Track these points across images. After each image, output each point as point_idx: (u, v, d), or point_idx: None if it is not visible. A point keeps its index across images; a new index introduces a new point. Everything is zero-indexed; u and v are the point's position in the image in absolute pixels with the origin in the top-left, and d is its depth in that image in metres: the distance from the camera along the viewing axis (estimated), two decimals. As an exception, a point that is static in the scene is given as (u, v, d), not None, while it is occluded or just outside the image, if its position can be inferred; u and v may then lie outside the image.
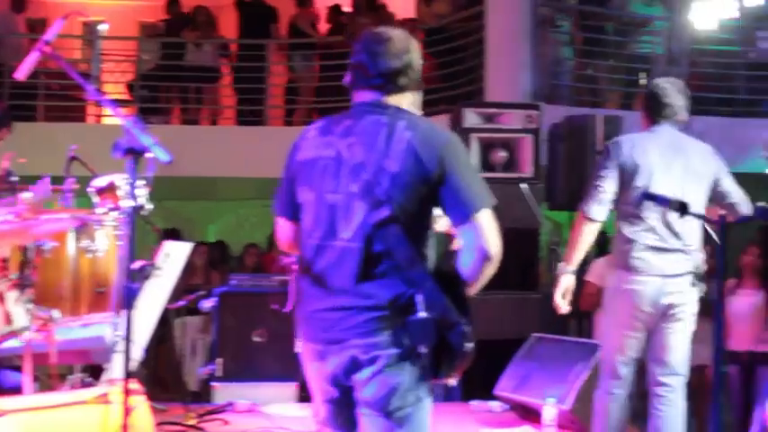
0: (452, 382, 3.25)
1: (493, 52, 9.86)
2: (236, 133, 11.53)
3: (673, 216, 4.72)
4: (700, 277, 4.88)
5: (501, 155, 7.58)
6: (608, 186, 4.91)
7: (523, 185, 7.28)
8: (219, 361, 7.36)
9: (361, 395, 3.24)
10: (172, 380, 8.66)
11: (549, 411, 5.90)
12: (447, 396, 7.68)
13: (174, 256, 6.10)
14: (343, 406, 3.31)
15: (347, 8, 12.72)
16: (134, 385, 3.81)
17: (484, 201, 3.15)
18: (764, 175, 3.77)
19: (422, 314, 3.06)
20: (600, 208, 4.92)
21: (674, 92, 5.04)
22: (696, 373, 7.92)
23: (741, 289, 6.97)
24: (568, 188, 7.28)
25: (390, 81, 3.23)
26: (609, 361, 5.04)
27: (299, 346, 3.42)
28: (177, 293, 7.76)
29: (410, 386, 3.16)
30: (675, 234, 4.87)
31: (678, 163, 4.93)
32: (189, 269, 9.06)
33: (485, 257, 3.12)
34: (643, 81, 10.70)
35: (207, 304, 7.33)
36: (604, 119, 7.21)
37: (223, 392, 7.26)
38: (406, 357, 3.12)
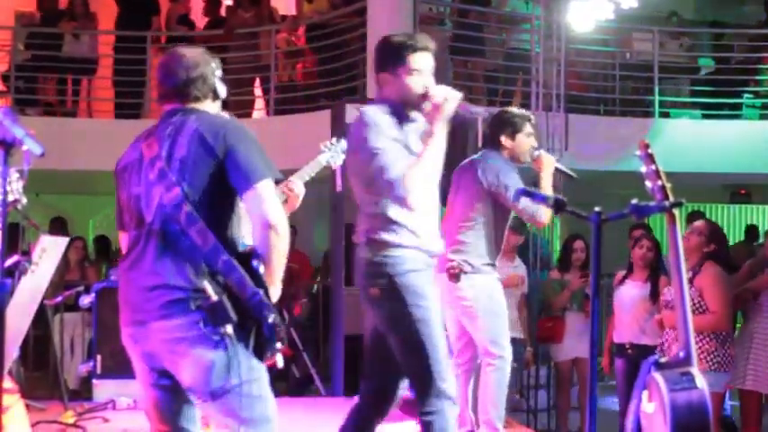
0: (279, 362, 3.41)
1: (374, 49, 9.88)
2: (115, 126, 11.32)
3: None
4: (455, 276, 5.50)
5: (382, 150, 7.62)
6: None
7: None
8: (98, 358, 7.24)
9: (181, 381, 3.39)
10: (50, 378, 8.49)
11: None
12: (330, 391, 7.71)
13: (50, 251, 5.99)
14: (169, 392, 3.46)
15: (228, 1, 12.61)
16: (8, 384, 3.73)
17: (265, 172, 3.39)
18: (639, 173, 3.89)
19: (214, 297, 3.27)
20: None
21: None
22: (571, 365, 8.15)
23: (629, 280, 7.08)
24: (449, 184, 7.35)
25: (183, 92, 3.55)
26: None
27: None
28: (54, 289, 7.62)
29: (227, 366, 3.30)
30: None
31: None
32: (64, 264, 8.91)
33: (266, 225, 3.33)
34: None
35: (86, 300, 7.21)
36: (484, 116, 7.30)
37: (104, 390, 7.14)
38: (210, 338, 3.29)
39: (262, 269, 3.36)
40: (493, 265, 5.58)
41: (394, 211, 4.07)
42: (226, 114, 3.83)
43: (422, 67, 4.21)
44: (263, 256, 3.36)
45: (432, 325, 4.08)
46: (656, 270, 7.03)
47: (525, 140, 5.68)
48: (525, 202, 5.35)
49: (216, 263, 3.30)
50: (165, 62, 3.63)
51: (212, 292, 3.27)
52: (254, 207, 3.35)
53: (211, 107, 3.60)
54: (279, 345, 3.37)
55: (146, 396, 3.52)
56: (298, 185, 4.99)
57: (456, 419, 4.18)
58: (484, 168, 5.55)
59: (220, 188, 3.39)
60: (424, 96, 4.16)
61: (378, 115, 4.10)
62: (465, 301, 5.53)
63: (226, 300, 3.28)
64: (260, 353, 3.36)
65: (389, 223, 4.08)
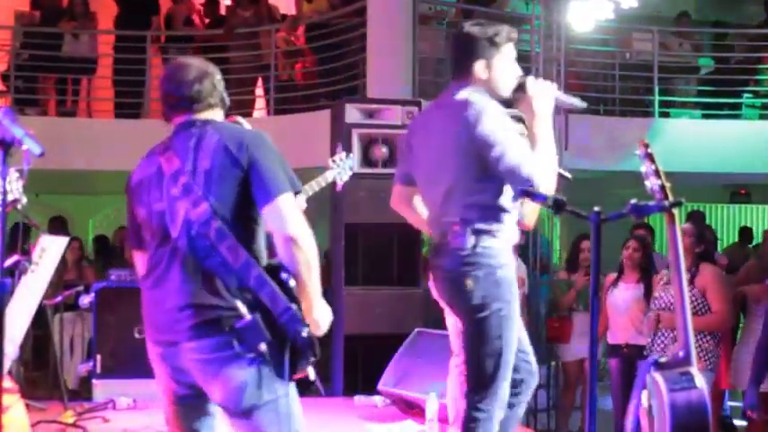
0: (310, 374, 3.35)
1: (374, 48, 9.88)
2: (115, 126, 11.32)
3: None
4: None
5: (382, 150, 7.64)
6: None
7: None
8: (98, 358, 7.24)
9: (212, 398, 3.34)
10: (50, 378, 8.49)
11: (432, 405, 5.95)
12: (330, 391, 7.70)
13: (50, 251, 5.98)
14: (191, 408, 3.42)
15: (227, 1, 12.60)
16: (8, 383, 3.73)
17: (286, 185, 3.32)
18: (639, 173, 3.92)
19: (247, 317, 3.20)
20: None
21: None
22: (578, 366, 8.14)
23: (622, 282, 7.11)
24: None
25: (195, 101, 3.46)
26: None
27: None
28: (54, 289, 7.62)
29: (259, 383, 3.25)
30: None
31: None
32: (61, 264, 8.91)
33: (287, 239, 3.26)
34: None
35: (85, 300, 7.21)
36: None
37: (103, 390, 7.15)
38: (243, 357, 3.23)
39: (292, 282, 3.28)
40: None
41: (505, 201, 4.02)
42: (241, 120, 3.81)
43: (514, 57, 4.19)
44: (293, 271, 3.28)
45: (514, 325, 4.06)
46: (647, 270, 7.06)
47: None
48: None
49: (248, 279, 3.22)
50: (172, 72, 3.55)
51: (245, 312, 3.20)
52: (274, 221, 3.29)
53: (220, 115, 3.54)
54: (312, 358, 3.31)
55: (168, 410, 3.47)
56: (299, 199, 5.00)
57: (499, 425, 4.10)
58: None
59: (245, 200, 3.32)
60: (519, 88, 4.13)
61: (494, 106, 4.02)
62: None
63: (259, 318, 3.20)
64: (293, 367, 3.29)
65: (498, 212, 4.02)
